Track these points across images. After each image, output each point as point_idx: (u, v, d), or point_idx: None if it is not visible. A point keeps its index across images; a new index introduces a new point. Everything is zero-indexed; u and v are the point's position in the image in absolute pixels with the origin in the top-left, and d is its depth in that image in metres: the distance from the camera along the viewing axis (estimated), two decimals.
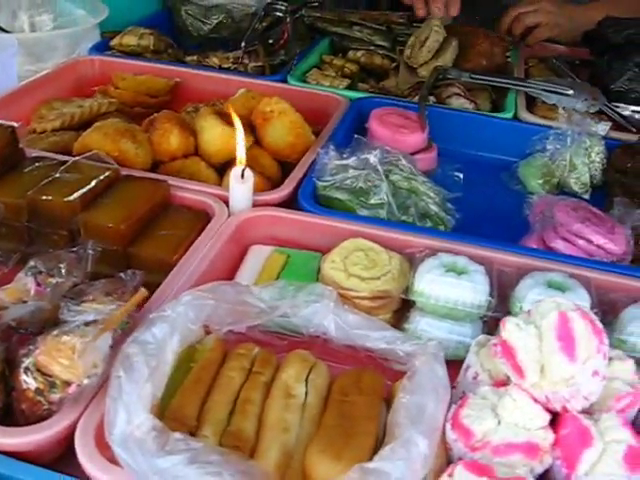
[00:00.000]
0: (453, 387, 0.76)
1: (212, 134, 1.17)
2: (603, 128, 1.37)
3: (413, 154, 1.23)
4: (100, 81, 1.47)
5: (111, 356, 0.71)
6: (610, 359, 0.73)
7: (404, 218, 1.07)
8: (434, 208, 1.10)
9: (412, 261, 0.93)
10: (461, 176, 1.22)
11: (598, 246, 1.01)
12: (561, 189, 1.32)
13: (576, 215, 1.04)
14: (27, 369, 0.69)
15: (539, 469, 0.67)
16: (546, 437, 0.68)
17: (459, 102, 1.48)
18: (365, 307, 0.88)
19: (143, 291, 0.78)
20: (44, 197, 0.94)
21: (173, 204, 1.04)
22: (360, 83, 1.59)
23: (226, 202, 1.03)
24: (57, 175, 0.98)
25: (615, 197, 1.17)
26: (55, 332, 0.70)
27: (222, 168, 1.18)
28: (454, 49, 1.54)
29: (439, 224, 1.10)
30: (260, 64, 1.60)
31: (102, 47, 1.58)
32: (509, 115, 1.43)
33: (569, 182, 1.31)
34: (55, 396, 0.68)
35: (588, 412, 0.70)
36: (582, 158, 1.31)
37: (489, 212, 1.21)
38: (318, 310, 0.81)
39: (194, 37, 1.77)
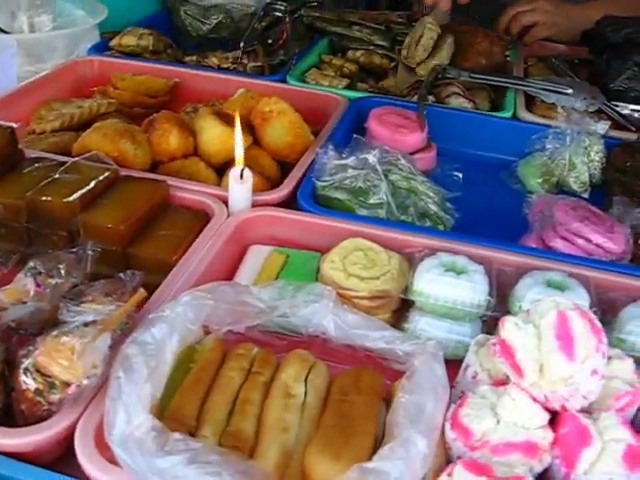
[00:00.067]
0: (452, 386, 0.76)
1: (211, 134, 1.17)
2: (602, 127, 1.37)
3: (412, 154, 1.23)
4: (99, 81, 1.47)
5: (110, 357, 0.71)
6: (609, 358, 0.73)
7: (403, 218, 1.07)
8: (433, 208, 1.10)
9: (411, 261, 0.93)
10: (460, 175, 1.22)
11: (597, 245, 1.01)
12: (560, 188, 1.32)
13: (575, 214, 1.04)
14: (27, 370, 0.69)
15: (538, 468, 0.67)
16: (545, 436, 0.68)
17: (458, 101, 1.48)
18: (364, 307, 0.88)
19: (142, 292, 0.78)
20: (43, 198, 0.94)
21: (172, 204, 1.04)
22: (359, 83, 1.60)
23: (225, 202, 1.03)
24: (56, 176, 0.98)
25: (614, 196, 1.17)
26: (54, 333, 0.70)
27: (221, 168, 1.18)
28: (450, 46, 1.54)
29: (438, 224, 1.10)
30: (259, 64, 1.60)
31: (101, 48, 1.59)
32: (508, 114, 1.43)
33: (568, 181, 1.31)
34: (55, 397, 0.68)
35: (587, 411, 0.70)
36: (581, 157, 1.31)
37: (488, 211, 1.21)
38: (317, 310, 0.81)
39: (193, 37, 1.77)
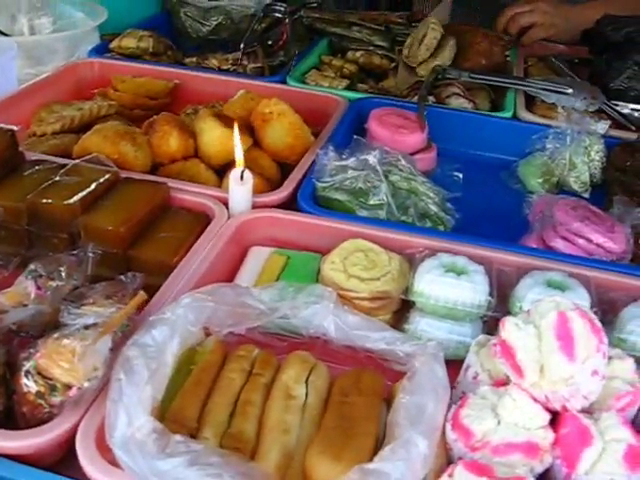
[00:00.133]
0: (453, 387, 0.76)
1: (211, 136, 1.17)
2: (602, 127, 1.37)
3: (412, 154, 1.23)
4: (100, 84, 1.47)
5: (111, 359, 0.71)
6: (610, 358, 0.73)
7: (404, 218, 1.08)
8: (434, 208, 1.10)
9: (412, 261, 0.93)
10: (460, 176, 1.22)
11: (598, 245, 1.01)
12: (561, 188, 1.32)
13: (575, 214, 1.04)
14: (28, 372, 0.69)
15: (539, 468, 0.67)
16: (546, 436, 0.68)
17: (458, 102, 1.48)
18: (365, 308, 0.88)
19: (142, 294, 0.78)
20: (44, 200, 0.94)
21: (173, 206, 1.04)
22: (359, 83, 1.60)
23: (226, 204, 1.03)
24: (57, 178, 0.98)
25: (615, 196, 1.17)
26: (55, 335, 0.70)
27: (222, 170, 1.18)
28: (452, 47, 1.54)
29: (439, 224, 1.10)
30: (259, 65, 1.60)
31: (101, 50, 1.59)
32: (508, 114, 1.43)
33: (569, 181, 1.31)
34: (56, 399, 0.68)
35: (588, 411, 0.70)
36: (582, 157, 1.31)
37: (489, 212, 1.21)
38: (318, 311, 0.81)
39: (193, 39, 1.77)
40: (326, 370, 0.78)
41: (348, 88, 1.53)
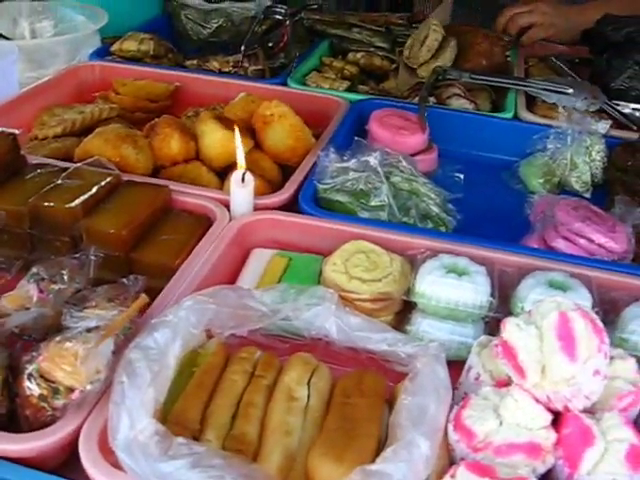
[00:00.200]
0: (455, 388, 0.77)
1: (212, 138, 1.17)
2: (603, 126, 1.37)
3: (413, 155, 1.23)
4: (101, 87, 1.47)
5: (114, 362, 0.71)
6: (612, 358, 0.73)
7: (405, 220, 1.08)
8: (435, 209, 1.11)
9: (413, 263, 0.93)
10: (462, 177, 1.22)
11: (599, 245, 1.01)
12: (562, 188, 1.32)
13: (577, 214, 1.04)
14: (30, 375, 0.70)
15: (541, 469, 0.67)
16: (548, 437, 0.68)
17: (459, 102, 1.48)
18: (366, 309, 0.88)
19: (144, 297, 0.78)
20: (46, 204, 0.94)
21: (174, 209, 1.04)
22: (360, 85, 1.60)
23: (227, 206, 1.03)
24: (59, 181, 0.99)
25: (616, 195, 1.17)
26: (58, 338, 0.71)
27: (223, 172, 1.18)
28: (453, 49, 1.54)
29: (440, 225, 1.10)
30: (260, 67, 1.60)
31: (102, 53, 1.59)
32: (509, 115, 1.43)
33: (570, 181, 1.31)
34: (59, 402, 0.69)
35: (590, 411, 0.70)
36: (583, 157, 1.31)
37: (490, 212, 1.21)
38: (320, 313, 0.81)
39: (194, 41, 1.77)
40: (328, 372, 0.78)
41: (349, 90, 1.53)
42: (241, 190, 1.02)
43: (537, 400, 0.69)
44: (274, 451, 0.68)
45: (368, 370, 0.78)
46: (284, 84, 1.50)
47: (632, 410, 0.73)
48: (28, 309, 0.77)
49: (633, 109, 1.48)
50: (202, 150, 1.19)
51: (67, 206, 0.94)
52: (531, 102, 1.49)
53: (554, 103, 1.45)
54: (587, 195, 1.30)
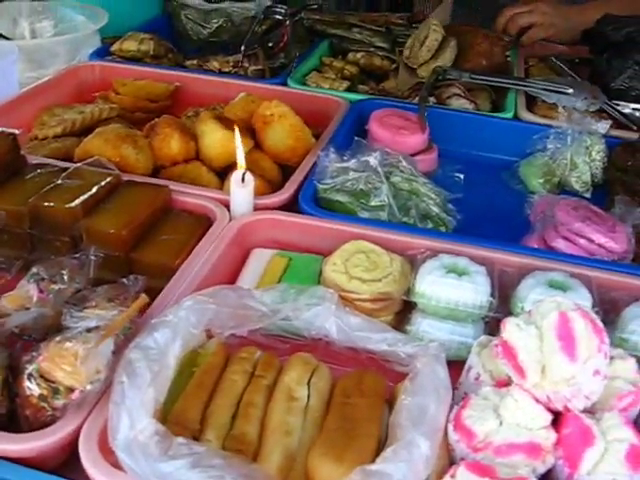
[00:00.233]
0: (455, 388, 0.77)
1: (212, 138, 1.17)
2: (603, 126, 1.37)
3: (413, 155, 1.23)
4: (101, 87, 1.47)
5: (114, 362, 0.71)
6: (612, 358, 0.73)
7: (405, 220, 1.08)
8: (435, 209, 1.11)
9: (413, 263, 0.93)
10: (462, 177, 1.23)
11: (599, 245, 1.01)
12: (562, 188, 1.32)
13: (577, 214, 1.04)
14: (30, 375, 0.70)
15: (541, 469, 0.67)
16: (548, 437, 0.68)
17: (459, 102, 1.48)
18: (366, 309, 0.88)
19: (144, 297, 0.78)
20: (46, 204, 0.94)
21: (174, 209, 1.04)
22: (360, 85, 1.60)
23: (227, 206, 1.03)
24: (59, 181, 0.99)
25: (616, 195, 1.17)
26: (58, 338, 0.71)
27: (223, 172, 1.18)
28: (453, 49, 1.54)
29: (440, 225, 1.10)
30: (260, 67, 1.60)
31: (102, 53, 1.59)
32: (509, 115, 1.43)
33: (570, 181, 1.31)
34: (59, 402, 0.69)
35: (590, 411, 0.70)
36: (583, 157, 1.31)
37: (490, 212, 1.21)
38: (320, 313, 0.81)
39: (194, 41, 1.78)
40: (328, 372, 0.78)
41: (349, 90, 1.53)
42: (241, 190, 1.02)
43: (537, 400, 0.69)
44: (274, 451, 0.68)
45: (368, 370, 0.78)
46: (284, 84, 1.50)
47: (632, 410, 0.73)
48: (28, 309, 0.77)
49: (633, 109, 1.48)
50: (202, 150, 1.19)
51: (67, 206, 0.94)
52: (531, 102, 1.49)
53: (554, 103, 1.45)
54: (587, 195, 1.30)
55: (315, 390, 0.75)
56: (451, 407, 0.72)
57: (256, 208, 1.05)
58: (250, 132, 1.21)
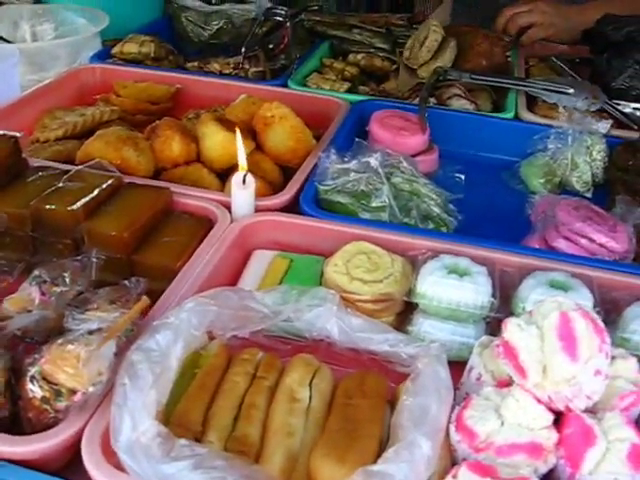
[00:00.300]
0: (457, 388, 0.77)
1: (213, 140, 1.17)
2: (604, 126, 1.37)
3: (414, 156, 1.23)
4: (102, 89, 1.47)
5: (116, 364, 0.71)
6: (613, 358, 0.73)
7: (406, 220, 1.08)
8: (436, 210, 1.11)
9: (414, 263, 0.93)
10: (462, 177, 1.22)
11: (600, 245, 1.01)
12: (563, 188, 1.32)
13: (578, 214, 1.04)
14: (33, 378, 0.70)
15: (543, 469, 0.67)
16: (550, 437, 0.68)
17: (460, 103, 1.48)
18: (368, 310, 0.88)
19: (145, 299, 0.78)
20: (48, 206, 0.95)
21: (176, 211, 1.04)
22: (360, 86, 1.60)
23: (228, 208, 1.04)
24: (60, 184, 0.99)
25: (617, 195, 1.17)
26: (60, 341, 0.71)
27: (224, 174, 1.18)
28: (453, 49, 1.54)
29: (441, 226, 1.10)
30: (261, 69, 1.61)
31: (103, 55, 1.60)
32: (510, 115, 1.43)
33: (571, 181, 1.31)
34: (61, 404, 0.69)
35: (592, 411, 0.70)
36: (584, 157, 1.31)
37: (491, 213, 1.21)
38: (321, 314, 0.81)
39: (195, 43, 1.78)
40: (330, 373, 0.79)
41: (349, 91, 1.53)
42: (242, 192, 1.03)
43: (538, 400, 0.69)
44: (276, 452, 0.68)
45: (370, 371, 0.78)
46: (285, 85, 1.50)
47: (634, 410, 0.73)
48: (30, 312, 0.77)
49: (634, 108, 1.48)
50: (203, 152, 1.19)
51: (69, 209, 0.94)
52: (532, 102, 1.49)
53: (555, 103, 1.45)
54: (588, 195, 1.30)
55: (317, 391, 0.75)
56: (453, 407, 0.72)
57: (257, 210, 1.05)
58: (251, 134, 1.21)
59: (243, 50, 1.59)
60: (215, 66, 1.62)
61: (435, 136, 1.32)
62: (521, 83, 1.49)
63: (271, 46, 1.63)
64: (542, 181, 1.30)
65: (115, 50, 1.60)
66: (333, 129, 1.30)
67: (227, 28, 1.76)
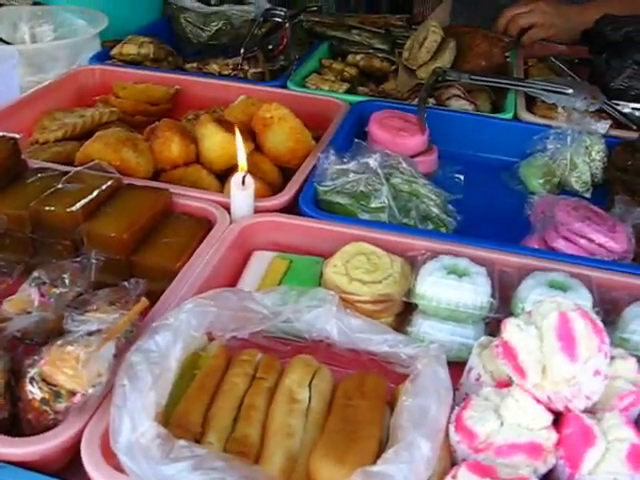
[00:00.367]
0: (456, 389, 0.77)
1: (212, 141, 1.17)
2: (603, 126, 1.37)
3: (413, 157, 1.23)
4: (101, 90, 1.48)
5: (115, 365, 0.71)
6: (612, 358, 0.74)
7: (405, 221, 1.08)
8: (435, 210, 1.11)
9: (414, 264, 0.93)
10: (462, 178, 1.23)
11: (599, 245, 1.01)
12: (562, 188, 1.32)
13: (577, 214, 1.04)
14: (32, 379, 0.70)
15: (543, 469, 0.67)
16: (549, 437, 0.68)
17: (459, 103, 1.48)
18: (367, 311, 0.88)
19: (144, 300, 0.78)
20: (47, 208, 0.95)
21: (175, 212, 1.05)
22: (360, 87, 1.60)
23: (228, 209, 1.04)
24: (59, 186, 0.99)
25: (616, 195, 1.17)
26: (59, 342, 0.71)
27: (223, 175, 1.18)
28: (452, 50, 1.54)
29: (440, 226, 1.10)
30: (260, 70, 1.61)
31: (102, 57, 1.60)
32: (509, 115, 1.43)
33: (570, 181, 1.31)
34: (61, 405, 0.69)
35: (591, 411, 0.70)
36: (583, 157, 1.31)
37: (490, 213, 1.21)
38: (320, 315, 0.81)
39: (194, 44, 1.78)
40: (329, 373, 0.79)
41: (349, 91, 1.53)
42: (241, 193, 1.03)
43: (538, 400, 0.69)
44: (276, 453, 0.68)
45: (369, 372, 0.78)
46: (284, 86, 1.50)
47: (633, 410, 0.73)
48: (30, 313, 0.77)
49: (632, 109, 1.49)
50: (202, 153, 1.19)
51: (68, 210, 0.94)
52: (531, 102, 1.49)
53: (554, 103, 1.45)
54: (587, 195, 1.30)
55: (316, 392, 0.75)
56: (452, 408, 0.72)
57: (256, 210, 1.05)
58: (250, 135, 1.21)
59: (242, 51, 1.59)
60: (214, 67, 1.62)
61: (434, 137, 1.32)
62: (520, 83, 1.50)
63: (270, 47, 1.64)
64: (541, 181, 1.30)
65: (114, 51, 1.60)
66: (332, 130, 1.30)
67: (226, 29, 1.76)
